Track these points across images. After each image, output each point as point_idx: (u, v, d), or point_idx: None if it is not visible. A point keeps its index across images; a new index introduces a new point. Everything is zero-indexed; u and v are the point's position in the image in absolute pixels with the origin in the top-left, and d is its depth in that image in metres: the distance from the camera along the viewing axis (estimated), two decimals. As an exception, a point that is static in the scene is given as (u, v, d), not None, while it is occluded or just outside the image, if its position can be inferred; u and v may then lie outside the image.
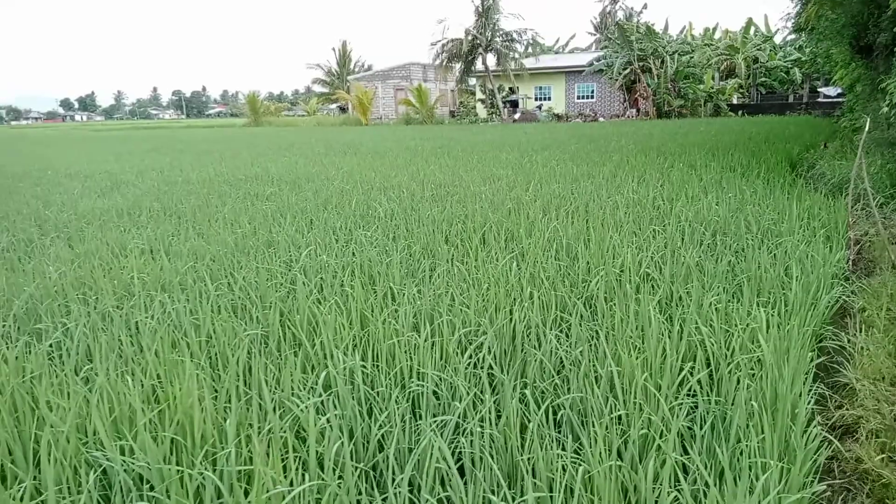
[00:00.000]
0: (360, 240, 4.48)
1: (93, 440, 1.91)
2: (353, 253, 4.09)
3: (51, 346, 2.73)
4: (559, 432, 2.08)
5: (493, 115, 34.96)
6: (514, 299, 3.07)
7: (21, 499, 1.63)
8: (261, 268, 3.63)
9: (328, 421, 1.98)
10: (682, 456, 1.87)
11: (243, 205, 6.39)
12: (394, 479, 1.82)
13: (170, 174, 9.73)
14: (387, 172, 9.00)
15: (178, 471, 1.67)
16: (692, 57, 32.80)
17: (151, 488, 1.70)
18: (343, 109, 46.51)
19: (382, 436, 2.03)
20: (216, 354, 2.58)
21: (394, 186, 7.41)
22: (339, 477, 1.76)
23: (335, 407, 2.11)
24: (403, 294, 3.18)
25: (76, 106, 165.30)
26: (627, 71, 31.41)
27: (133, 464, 1.72)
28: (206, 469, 1.70)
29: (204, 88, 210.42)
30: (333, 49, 55.16)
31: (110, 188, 8.21)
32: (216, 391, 2.20)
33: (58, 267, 3.90)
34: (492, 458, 1.85)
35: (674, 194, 6.01)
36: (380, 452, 1.99)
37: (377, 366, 2.45)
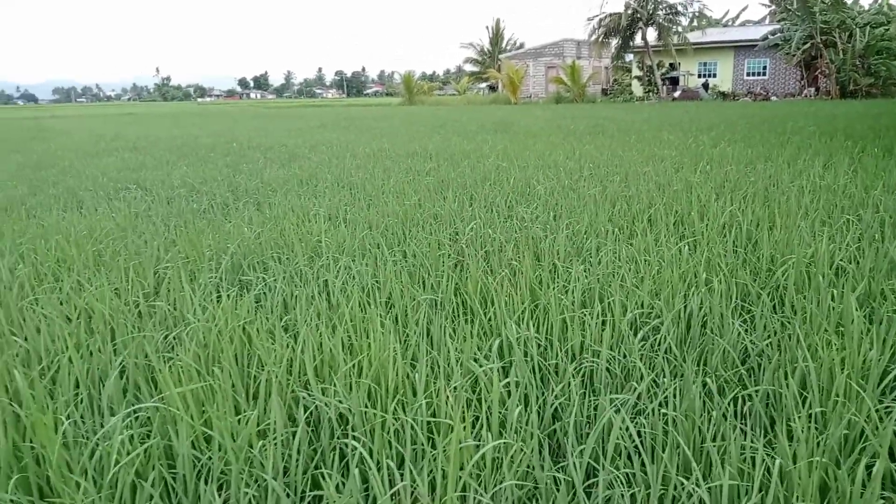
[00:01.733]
0: (522, 216, 4.52)
1: (298, 382, 2.13)
2: (517, 228, 4.14)
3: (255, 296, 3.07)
4: (744, 424, 1.99)
5: (650, 94, 33.26)
6: (689, 284, 2.95)
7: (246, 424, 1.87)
8: (430, 238, 3.81)
9: (506, 386, 2.06)
10: (892, 462, 1.72)
11: (406, 178, 6.69)
12: (572, 450, 1.86)
13: (337, 149, 10.40)
14: (541, 150, 8.95)
15: (381, 416, 1.83)
16: (888, 29, 28.80)
17: (352, 429, 1.87)
18: (493, 88, 46.68)
19: (558, 406, 2.07)
20: (397, 315, 2.75)
21: (550, 165, 7.35)
22: (522, 440, 1.83)
23: (511, 374, 2.18)
24: (569, 271, 3.18)
25: (251, 84, 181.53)
26: (807, 45, 28.37)
27: (338, 406, 1.91)
28: (398, 417, 1.85)
29: (363, 69, 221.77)
30: (487, 27, 55.31)
31: (288, 160, 8.95)
32: (403, 348, 2.35)
33: (252, 228, 4.35)
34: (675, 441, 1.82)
35: (868, 182, 5.39)
36: (555, 422, 2.04)
37: (549, 339, 2.49)
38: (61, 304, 2.84)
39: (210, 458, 1.71)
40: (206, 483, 1.61)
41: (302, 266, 3.43)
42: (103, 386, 2.07)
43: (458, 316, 2.74)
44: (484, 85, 51.52)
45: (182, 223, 4.66)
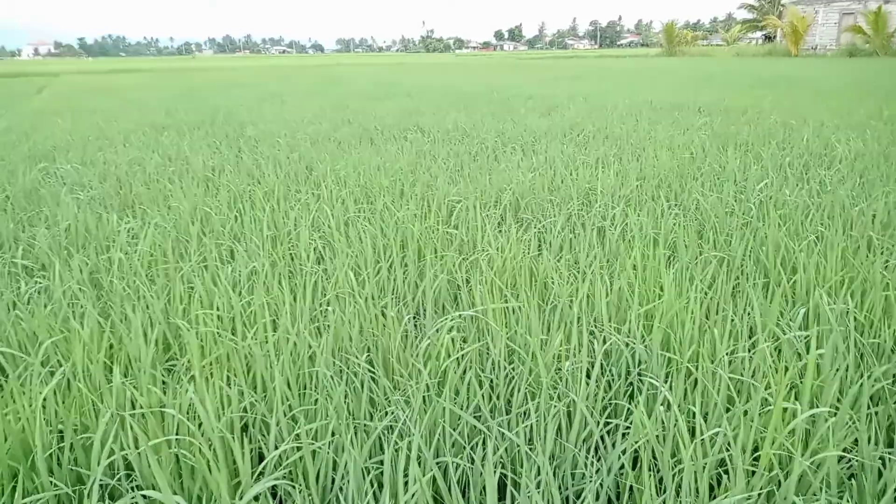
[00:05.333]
0: (821, 179, 4.00)
1: (589, 317, 2.19)
2: (816, 193, 3.68)
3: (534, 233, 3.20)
4: None
5: None
6: None
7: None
8: (709, 196, 3.57)
9: (820, 356, 1.88)
10: None
11: (675, 131, 6.32)
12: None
13: (596, 99, 10.18)
14: (835, 107, 7.74)
15: (680, 361, 1.81)
16: None
17: (646, 371, 1.88)
18: (769, 38, 41.28)
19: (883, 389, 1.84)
20: (682, 268, 2.66)
21: (853, 125, 6.35)
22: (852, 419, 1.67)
23: (824, 347, 1.98)
24: (889, 247, 2.75)
25: (505, 36, 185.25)
26: None
27: (632, 344, 1.93)
28: (697, 367, 1.81)
29: (619, 18, 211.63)
30: (770, -32, 48.66)
31: (547, 110, 9.03)
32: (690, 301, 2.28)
33: (524, 172, 4.51)
34: None
35: None
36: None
37: (869, 316, 2.20)
38: (369, 222, 3.27)
39: (514, 368, 1.86)
40: (514, 392, 1.75)
41: (576, 210, 3.48)
42: (417, 293, 2.36)
43: (752, 278, 2.55)
44: (758, 34, 45.83)
45: (459, 164, 5.01)
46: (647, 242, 2.93)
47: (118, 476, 1.49)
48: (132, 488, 1.47)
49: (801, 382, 1.76)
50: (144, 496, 1.37)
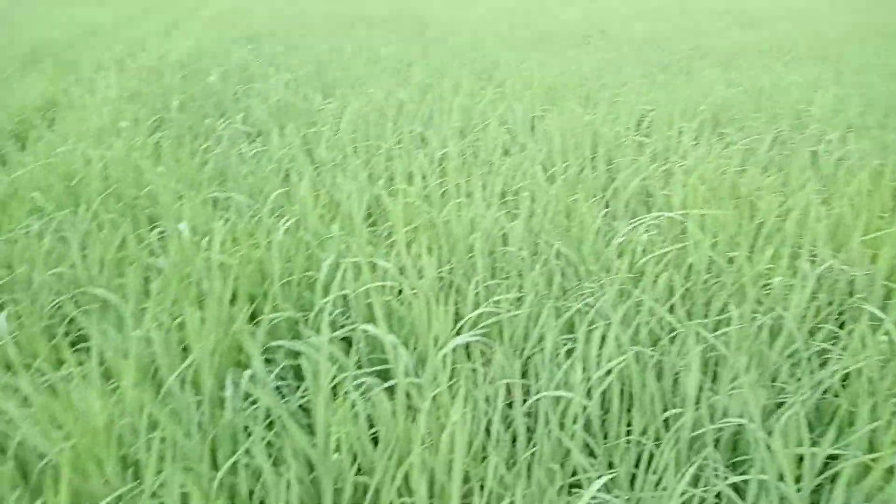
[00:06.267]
0: None
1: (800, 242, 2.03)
2: None
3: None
4: None
5: None
6: None
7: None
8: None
9: None
10: None
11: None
12: None
13: (809, 16, 8.95)
14: None
15: None
16: None
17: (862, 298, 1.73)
18: None
19: None
20: None
21: None
22: None
23: None
24: None
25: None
26: None
27: (851, 272, 1.78)
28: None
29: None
30: None
31: (748, 23, 8.11)
32: None
33: (723, 87, 4.14)
34: None
35: None
36: None
37: None
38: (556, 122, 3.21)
39: (715, 277, 1.79)
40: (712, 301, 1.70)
41: (786, 130, 3.16)
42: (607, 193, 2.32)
43: None
44: None
45: (649, 73, 4.71)
46: (871, 173, 2.61)
47: (335, 312, 1.68)
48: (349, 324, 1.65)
49: None
50: (364, 330, 1.53)
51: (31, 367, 1.48)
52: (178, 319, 1.54)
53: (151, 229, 2.11)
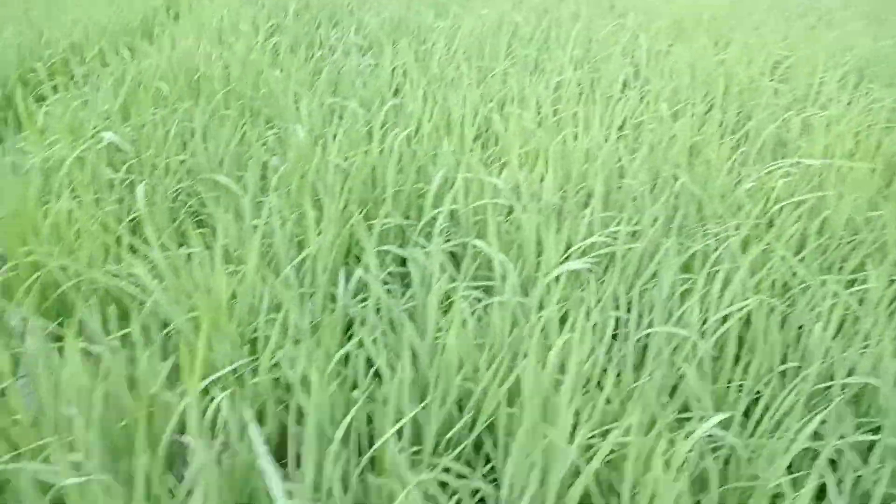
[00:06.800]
0: None
1: None
2: None
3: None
4: None
5: None
6: None
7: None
8: None
9: None
10: None
11: None
12: None
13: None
14: None
15: None
16: None
17: None
18: None
19: None
20: None
21: None
22: None
23: None
24: None
25: None
26: None
27: None
28: None
29: None
30: None
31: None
32: None
33: (871, 39, 3.73)
34: None
35: None
36: None
37: None
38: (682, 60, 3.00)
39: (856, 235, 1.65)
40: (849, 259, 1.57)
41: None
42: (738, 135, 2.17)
43: None
44: None
45: (785, 17, 4.31)
46: None
47: (445, 225, 1.67)
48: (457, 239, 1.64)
49: None
50: (474, 245, 1.51)
51: (159, 241, 1.56)
52: (295, 214, 1.58)
53: (268, 129, 2.15)
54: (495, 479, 1.18)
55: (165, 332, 1.37)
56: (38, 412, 1.09)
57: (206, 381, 1.09)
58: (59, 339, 1.48)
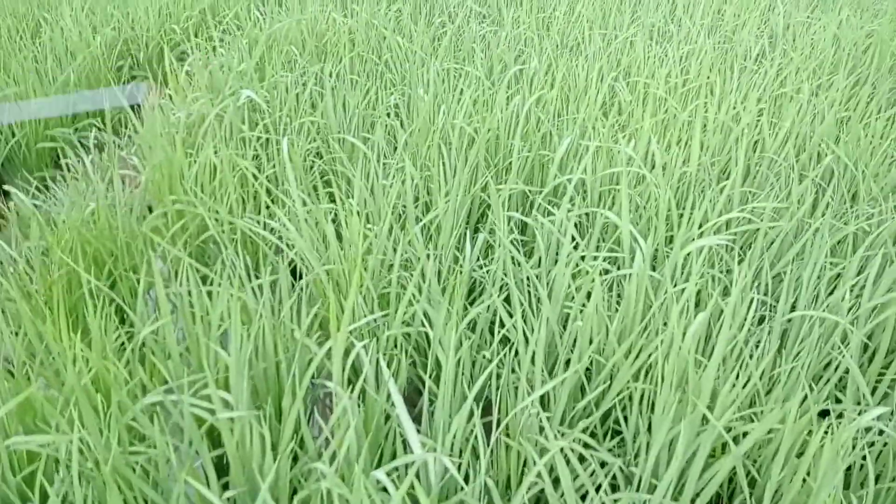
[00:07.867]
0: None
1: None
2: None
3: None
4: None
5: None
6: None
7: None
8: None
9: None
10: None
11: None
12: None
13: None
14: None
15: None
16: None
17: None
18: None
19: None
20: None
21: None
22: None
23: None
24: None
25: None
26: None
27: None
28: None
29: None
30: None
31: None
32: None
33: None
34: None
35: None
36: None
37: None
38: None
39: None
40: None
41: None
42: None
43: None
44: None
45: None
46: None
47: (570, 194, 1.63)
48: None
49: None
50: (604, 215, 1.48)
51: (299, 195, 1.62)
52: (423, 174, 1.60)
53: (392, 94, 2.18)
54: (618, 455, 1.16)
55: (304, 281, 1.44)
56: (186, 351, 1.17)
57: (347, 330, 1.13)
58: (204, 280, 1.58)
